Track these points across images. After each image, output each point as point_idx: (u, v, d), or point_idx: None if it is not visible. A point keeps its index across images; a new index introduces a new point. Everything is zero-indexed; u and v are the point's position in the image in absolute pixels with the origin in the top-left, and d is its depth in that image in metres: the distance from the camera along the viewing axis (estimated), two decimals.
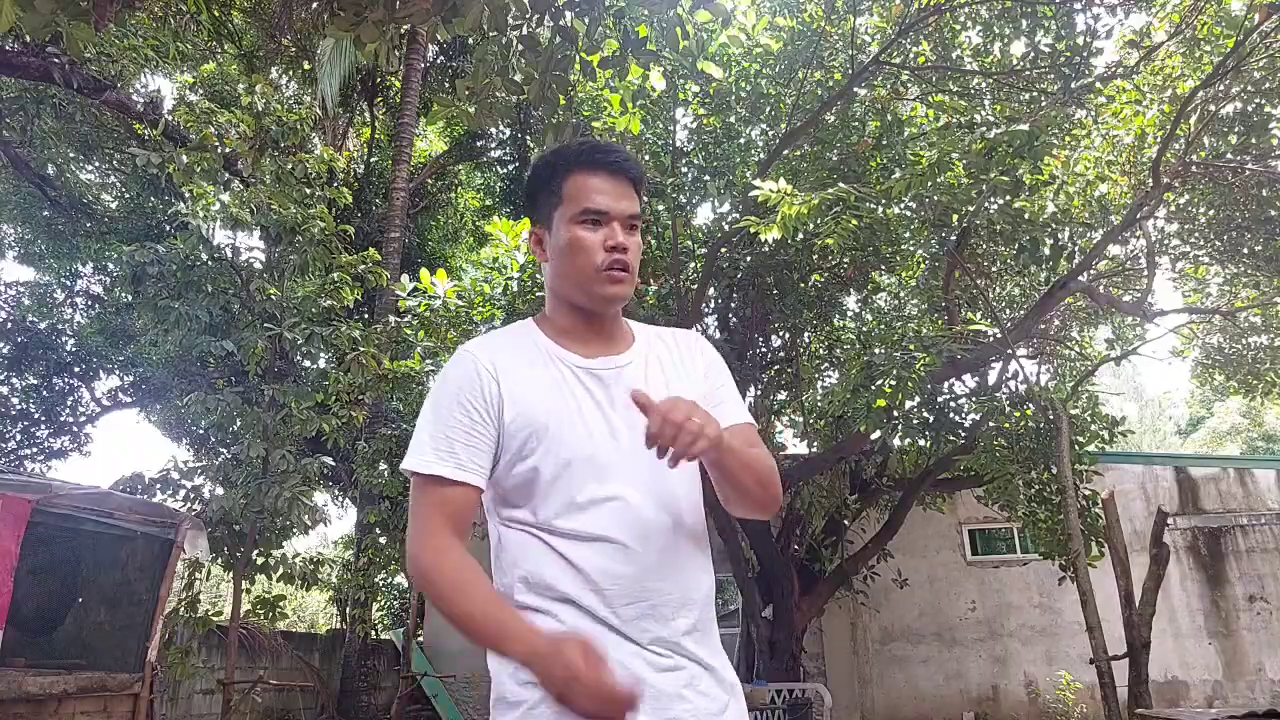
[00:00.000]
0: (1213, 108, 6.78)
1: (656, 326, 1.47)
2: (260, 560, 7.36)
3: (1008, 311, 9.01)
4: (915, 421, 8.20)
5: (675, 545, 1.26)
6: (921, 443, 9.14)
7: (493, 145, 15.94)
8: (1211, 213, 7.54)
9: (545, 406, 1.26)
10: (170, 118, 10.71)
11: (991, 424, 7.17)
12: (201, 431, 12.97)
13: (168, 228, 9.89)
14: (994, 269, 8.43)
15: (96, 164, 13.89)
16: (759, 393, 9.85)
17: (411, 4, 2.61)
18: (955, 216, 6.05)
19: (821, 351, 9.91)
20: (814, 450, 9.65)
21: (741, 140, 7.87)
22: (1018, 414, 7.28)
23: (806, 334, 9.71)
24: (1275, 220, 7.10)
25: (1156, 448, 25.69)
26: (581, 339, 1.34)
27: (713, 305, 9.57)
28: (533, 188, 1.38)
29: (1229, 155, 6.94)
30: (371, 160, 15.36)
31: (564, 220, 1.31)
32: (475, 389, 1.25)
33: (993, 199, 5.59)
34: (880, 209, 5.97)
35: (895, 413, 7.11)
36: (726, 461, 1.23)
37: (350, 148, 15.16)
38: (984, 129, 5.43)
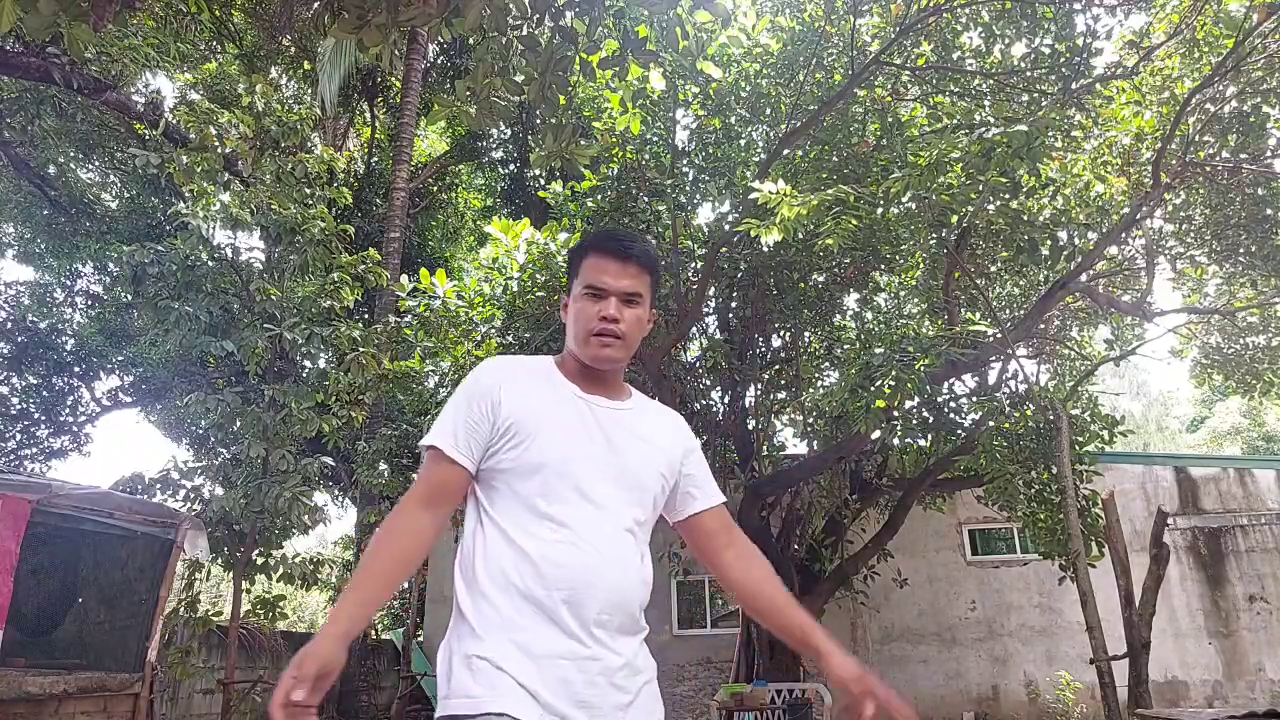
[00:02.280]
0: (1211, 108, 6.78)
1: (658, 403, 1.74)
2: (260, 560, 7.36)
3: (1007, 311, 9.01)
4: (915, 421, 8.20)
5: (623, 553, 1.45)
6: (921, 443, 9.15)
7: (493, 145, 15.94)
8: (1209, 213, 7.54)
9: (538, 412, 1.49)
10: (170, 118, 10.71)
11: (991, 424, 7.17)
12: (201, 431, 12.98)
13: (168, 228, 9.89)
14: (993, 269, 8.44)
15: (96, 164, 13.89)
16: (759, 393, 9.86)
17: (414, 7, 2.62)
18: (954, 217, 6.05)
19: (821, 351, 9.92)
20: (814, 450, 9.66)
21: (742, 140, 7.87)
22: (1018, 414, 7.29)
23: (806, 334, 9.71)
24: (1272, 220, 7.10)
25: (1164, 446, 25.67)
26: (587, 381, 1.59)
27: (713, 305, 9.57)
28: (569, 266, 1.67)
29: (1227, 156, 6.95)
30: (372, 160, 15.36)
31: (577, 292, 1.59)
32: (483, 391, 1.51)
33: (991, 199, 5.59)
34: (880, 209, 5.97)
35: (895, 413, 7.12)
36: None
37: (350, 148, 15.17)
38: (982, 129, 5.43)
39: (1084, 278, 7.48)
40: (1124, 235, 7.65)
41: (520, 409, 1.49)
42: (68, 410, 14.93)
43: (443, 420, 1.52)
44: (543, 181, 11.93)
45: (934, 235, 6.90)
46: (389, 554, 1.42)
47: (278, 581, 7.55)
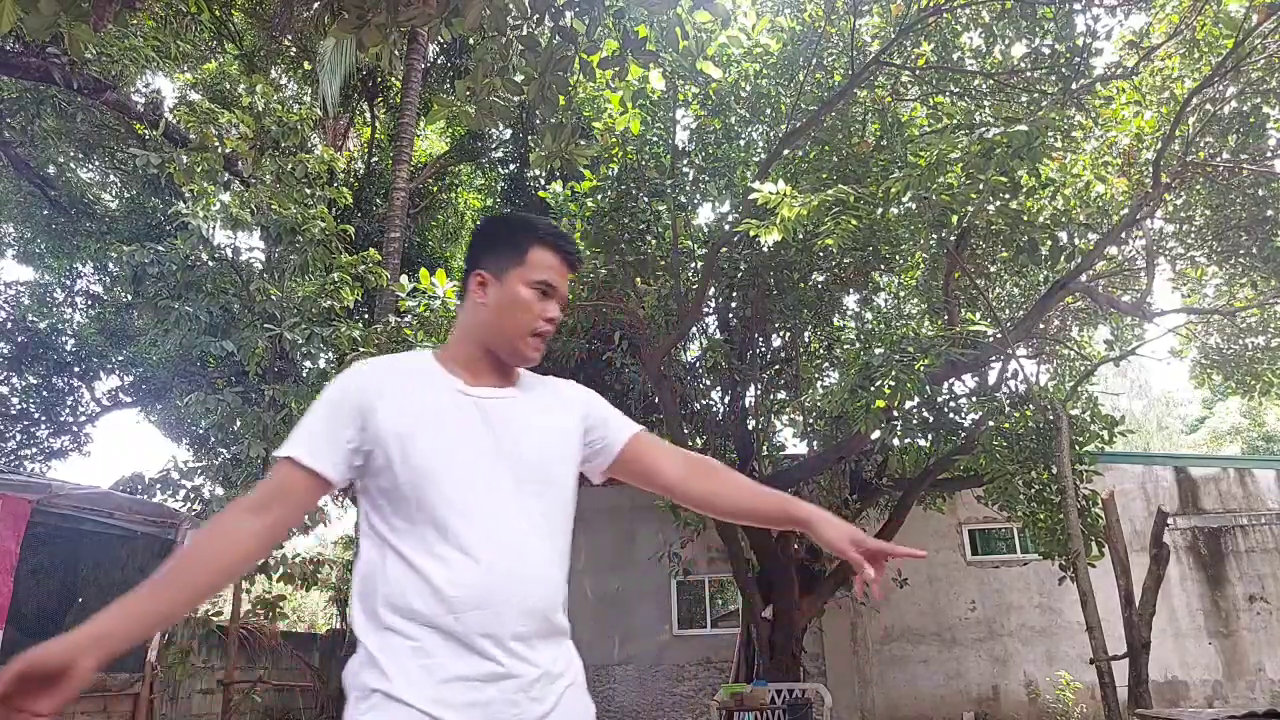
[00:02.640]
0: (1211, 108, 6.78)
1: (539, 375, 1.61)
2: (260, 560, 7.36)
3: (1007, 311, 9.02)
4: (915, 421, 8.20)
5: (529, 558, 1.36)
6: (921, 443, 9.15)
7: (493, 145, 15.93)
8: (1209, 213, 7.54)
9: (421, 422, 1.36)
10: (170, 118, 10.71)
11: (991, 424, 7.17)
12: (201, 431, 12.96)
13: (168, 228, 9.90)
14: (993, 269, 8.44)
15: (96, 164, 13.89)
16: (759, 393, 9.86)
17: (414, 7, 2.62)
18: (954, 217, 6.05)
19: (821, 351, 9.92)
20: (814, 450, 9.66)
21: (741, 140, 7.88)
22: (1018, 414, 7.29)
23: (806, 334, 9.72)
24: (1273, 221, 7.10)
25: (1166, 446, 25.64)
26: (475, 373, 1.46)
27: (713, 305, 9.57)
28: (493, 239, 1.51)
29: (1227, 156, 6.95)
30: (372, 160, 15.36)
31: (520, 280, 1.45)
32: (352, 400, 1.37)
33: (991, 199, 5.59)
34: (880, 209, 5.97)
35: (895, 413, 7.12)
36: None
37: (350, 148, 15.17)
38: (982, 129, 5.44)
39: (1084, 278, 7.48)
40: (1124, 235, 7.66)
41: (401, 420, 1.35)
42: (68, 410, 14.93)
43: (299, 429, 1.37)
44: (543, 181, 11.93)
45: (934, 235, 6.91)
46: (210, 563, 1.30)
47: (278, 581, 7.56)
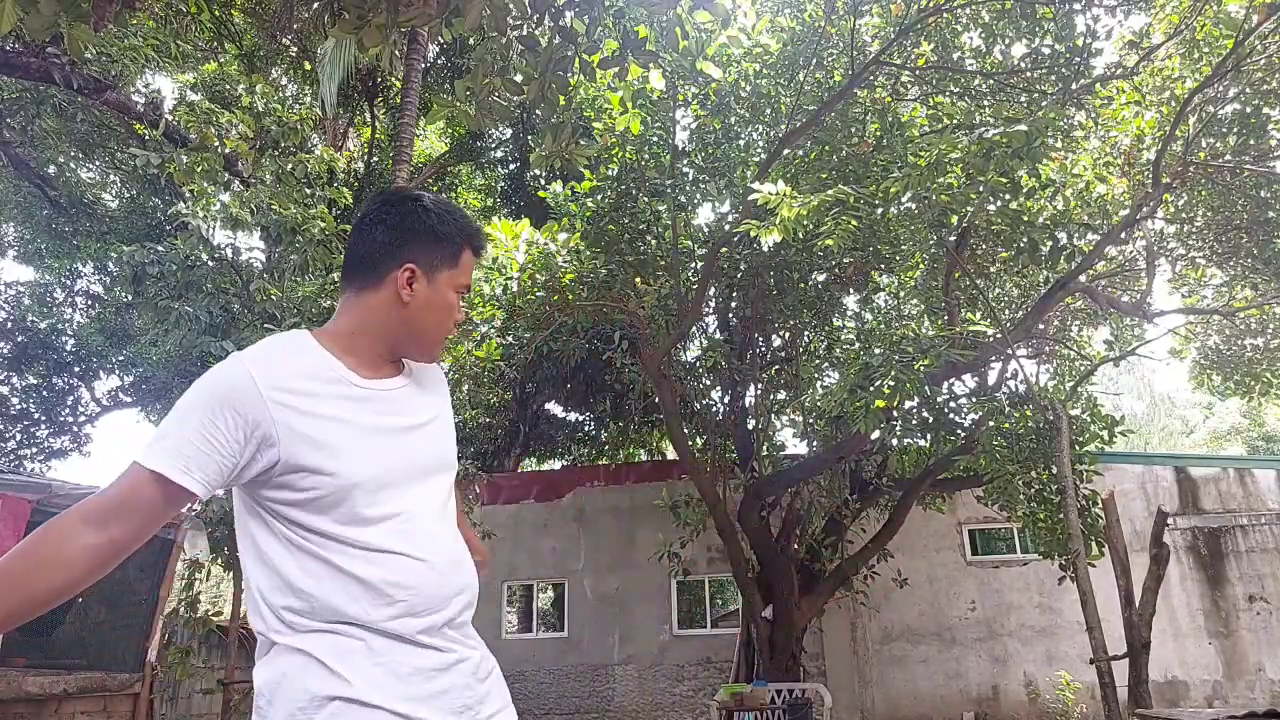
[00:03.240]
0: (1211, 109, 6.79)
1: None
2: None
3: (1007, 312, 9.02)
4: (915, 421, 8.20)
5: (452, 549, 1.36)
6: (921, 443, 9.15)
7: (493, 145, 15.93)
8: (1210, 214, 7.54)
9: (324, 432, 1.24)
10: (171, 118, 10.71)
11: (991, 424, 7.18)
12: None
13: (168, 228, 9.90)
14: (993, 269, 8.44)
15: (97, 164, 13.89)
16: (759, 393, 9.86)
17: (415, 7, 2.62)
18: (954, 217, 6.06)
19: (821, 351, 9.92)
20: (814, 450, 9.66)
21: (741, 141, 7.88)
22: (1018, 414, 7.29)
23: (806, 334, 9.72)
24: (1273, 221, 7.10)
25: (1169, 446, 25.61)
26: (371, 365, 1.36)
27: (713, 305, 9.57)
28: (429, 233, 1.39)
29: (1227, 156, 6.95)
30: (372, 160, 15.35)
31: (449, 284, 1.40)
32: (239, 403, 1.20)
33: (991, 200, 5.59)
34: (880, 210, 5.98)
35: (894, 413, 7.12)
36: None
37: (350, 148, 15.17)
38: (982, 130, 5.44)
39: (1084, 278, 7.49)
40: (1124, 236, 7.66)
41: (309, 425, 1.23)
42: (68, 410, 14.93)
43: (167, 438, 1.18)
44: (543, 181, 11.93)
45: (934, 235, 6.91)
46: (15, 579, 1.12)
47: None
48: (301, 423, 1.23)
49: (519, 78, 3.41)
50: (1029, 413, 7.19)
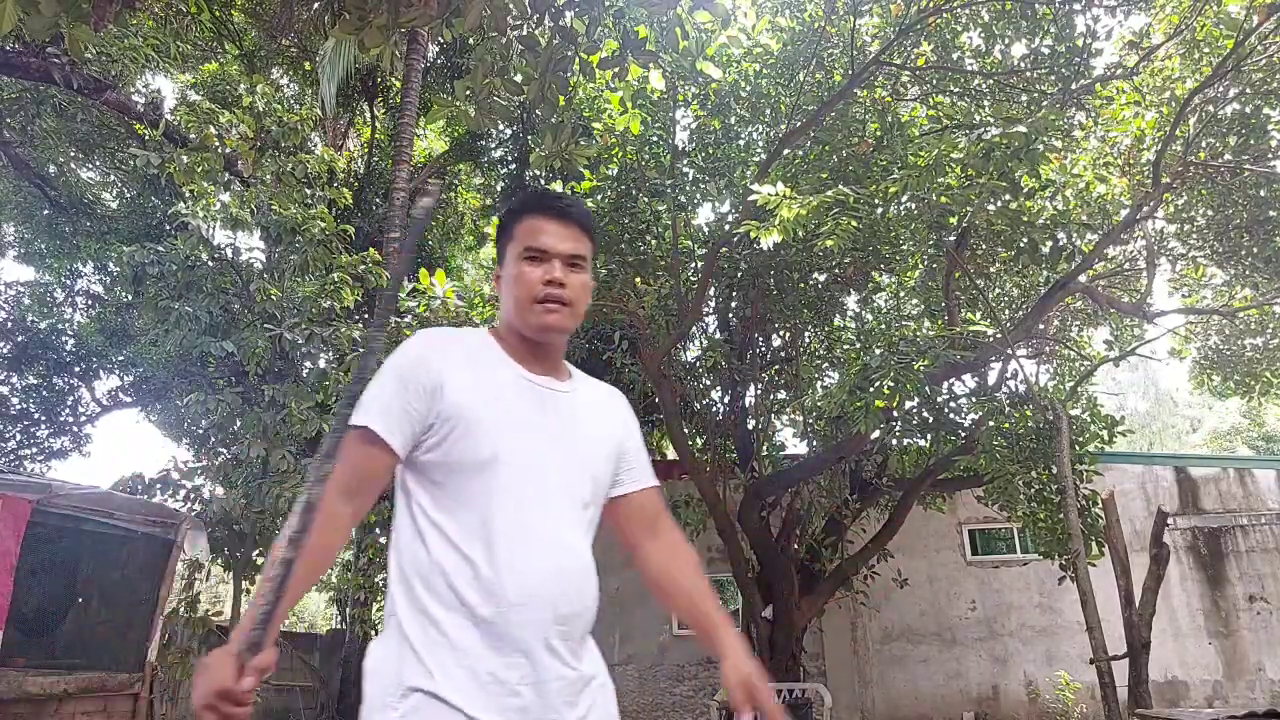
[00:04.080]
0: (1211, 109, 6.79)
1: (602, 384, 1.59)
2: (260, 560, 7.36)
3: (1007, 312, 9.02)
4: (915, 422, 8.20)
5: (577, 556, 1.34)
6: (921, 443, 9.15)
7: (493, 145, 15.93)
8: (1210, 214, 7.55)
9: (485, 399, 1.33)
10: (171, 118, 10.71)
11: (991, 424, 7.18)
12: (201, 432, 12.96)
13: (168, 228, 9.89)
14: (993, 270, 8.44)
15: (97, 164, 13.89)
16: (759, 393, 9.86)
17: (415, 8, 2.62)
18: (954, 218, 6.06)
19: (821, 351, 9.91)
20: (814, 450, 9.66)
21: (741, 141, 7.88)
22: (1018, 414, 7.29)
23: (806, 334, 9.72)
24: (1273, 221, 7.10)
25: (1171, 446, 25.62)
26: (527, 360, 1.43)
27: (713, 305, 9.57)
28: (498, 231, 1.52)
29: (1228, 157, 6.95)
30: (372, 160, 15.35)
31: (513, 257, 1.44)
32: (422, 369, 1.32)
33: (991, 200, 5.59)
34: (880, 210, 5.98)
35: (894, 413, 7.11)
36: None
37: (350, 148, 15.17)
38: (981, 130, 5.44)
39: (1084, 278, 7.49)
40: (1124, 236, 7.66)
41: (465, 395, 1.31)
42: (68, 410, 14.93)
43: (372, 398, 1.30)
44: (543, 181, 11.93)
45: (934, 235, 6.91)
46: (322, 545, 1.24)
47: None
48: (464, 385, 1.32)
49: (519, 78, 3.41)
50: (1029, 413, 7.19)
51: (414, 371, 1.32)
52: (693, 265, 8.21)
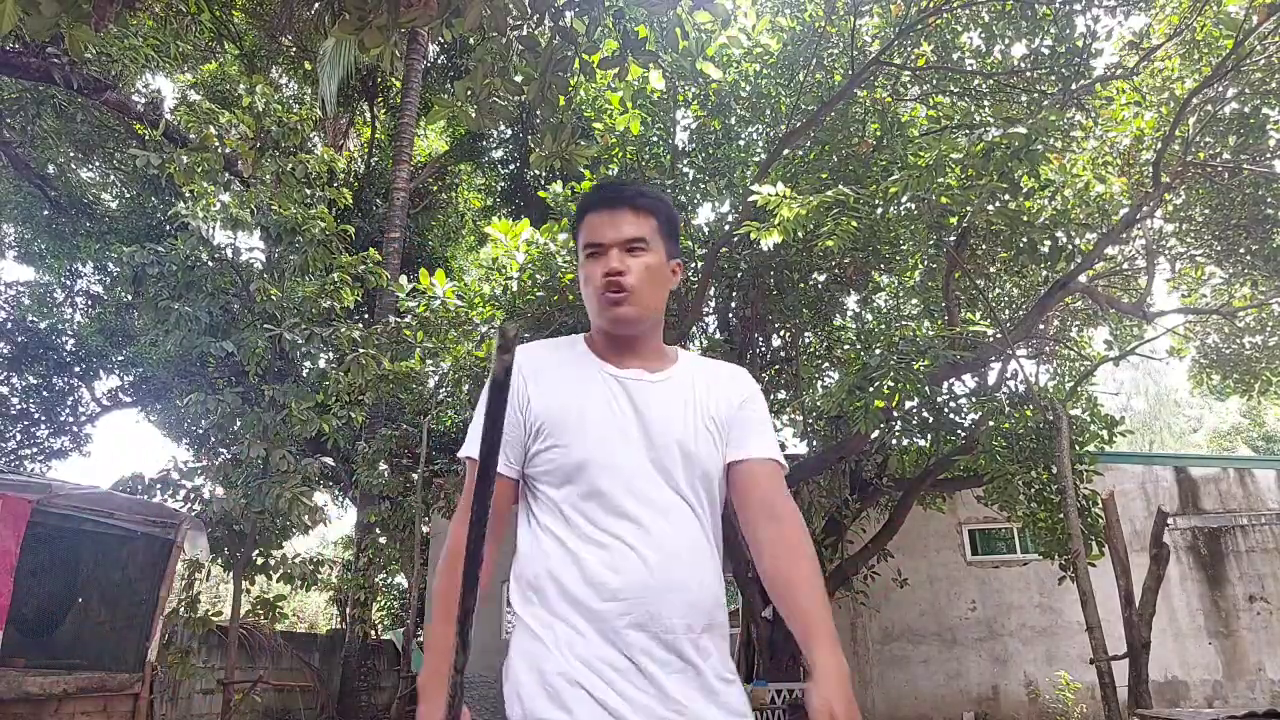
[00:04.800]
0: (1211, 109, 6.79)
1: (713, 360, 1.52)
2: (260, 560, 7.37)
3: (1007, 312, 9.02)
4: (915, 421, 8.20)
5: (686, 550, 1.31)
6: (921, 443, 9.15)
7: (493, 145, 15.94)
8: (1209, 213, 7.55)
9: (569, 405, 1.36)
10: (171, 118, 10.71)
11: (991, 424, 7.18)
12: (202, 432, 12.97)
13: (168, 228, 9.90)
14: (993, 269, 8.44)
15: (97, 164, 13.90)
16: None
17: (415, 8, 2.62)
18: (954, 218, 6.06)
19: (821, 351, 9.92)
20: (814, 450, 9.66)
21: (741, 141, 7.88)
22: (1018, 414, 7.29)
23: (806, 334, 9.71)
24: (1272, 220, 7.11)
25: (1173, 447, 25.62)
26: (616, 354, 1.44)
27: (713, 305, 9.57)
28: (573, 235, 1.54)
29: (1227, 156, 6.95)
30: (372, 160, 15.35)
31: (581, 258, 1.46)
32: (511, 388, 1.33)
33: (991, 200, 5.60)
34: (880, 210, 5.98)
35: (894, 413, 7.11)
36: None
37: (350, 148, 15.17)
38: (981, 130, 5.44)
39: (1084, 278, 7.49)
40: (1124, 235, 7.66)
41: (550, 404, 1.35)
42: (68, 410, 14.93)
43: (474, 428, 1.38)
44: (543, 181, 11.92)
45: (933, 236, 6.92)
46: (449, 593, 1.30)
47: (278, 581, 7.56)
48: (549, 395, 1.37)
49: (519, 78, 3.41)
50: (1029, 413, 7.19)
51: (514, 387, 1.35)
52: (693, 265, 8.21)
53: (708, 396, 1.42)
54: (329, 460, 9.55)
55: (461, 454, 1.38)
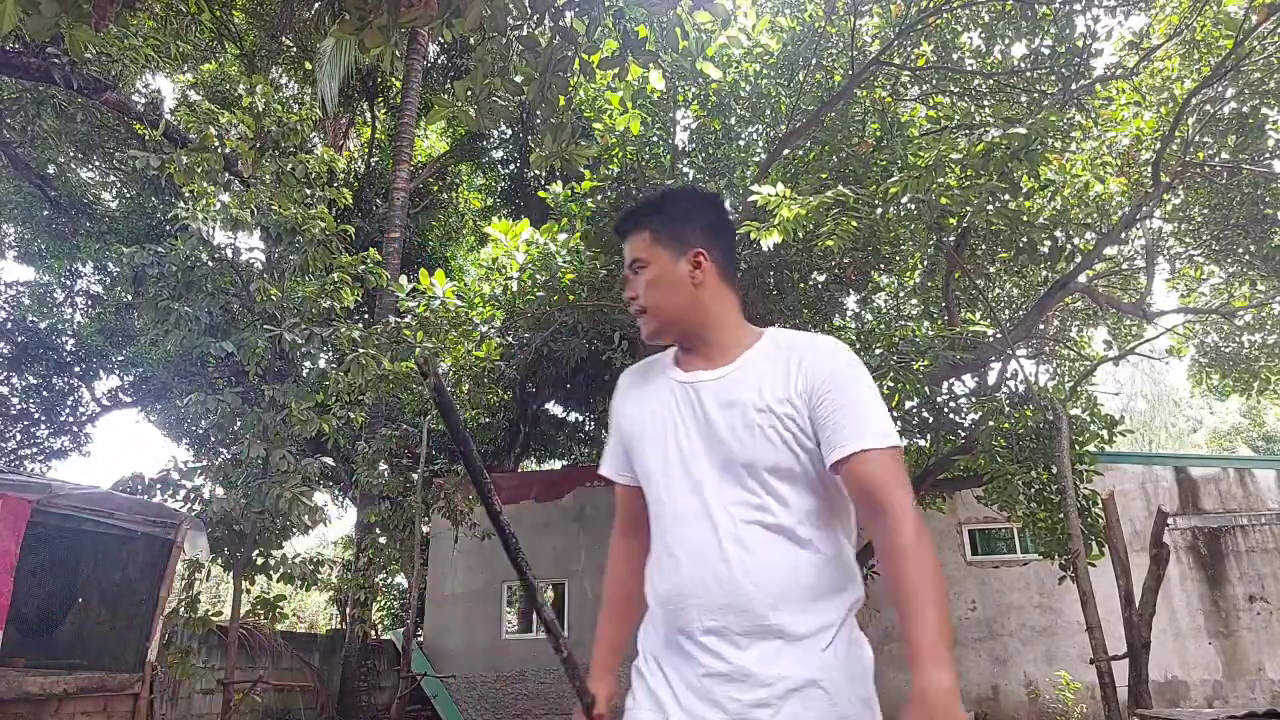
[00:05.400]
0: (1210, 109, 6.79)
1: (798, 336, 1.44)
2: (260, 560, 7.36)
3: (1007, 312, 9.02)
4: (914, 421, 8.20)
5: (732, 551, 1.29)
6: (921, 443, 9.15)
7: (493, 145, 15.93)
8: (1208, 213, 7.55)
9: (639, 419, 1.47)
10: (171, 118, 10.71)
11: (991, 424, 7.18)
12: (202, 432, 12.97)
13: (168, 228, 9.91)
14: (993, 270, 8.44)
15: (97, 164, 13.90)
16: None
17: (416, 8, 2.62)
18: (953, 219, 6.06)
19: None
20: None
21: (741, 141, 7.88)
22: (1017, 414, 7.29)
23: None
24: (1271, 220, 7.11)
25: (1173, 447, 25.59)
26: (685, 360, 1.48)
27: None
28: None
29: (1226, 156, 6.96)
30: (372, 160, 15.35)
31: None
32: (612, 406, 1.56)
33: (991, 201, 5.60)
34: (880, 210, 5.98)
35: (894, 413, 7.11)
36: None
37: (351, 148, 15.17)
38: (981, 130, 5.45)
39: (1083, 278, 7.49)
40: (1123, 235, 7.66)
41: (628, 420, 1.49)
42: (68, 410, 14.93)
43: (610, 444, 1.56)
44: (543, 182, 11.93)
45: (933, 236, 6.92)
46: (612, 594, 1.55)
47: (278, 581, 7.55)
48: (627, 416, 1.50)
49: (519, 78, 3.41)
50: (1029, 413, 7.20)
51: (611, 411, 1.55)
52: None
53: (764, 388, 1.34)
54: (329, 460, 9.55)
55: (601, 471, 1.57)
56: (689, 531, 1.33)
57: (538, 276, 7.38)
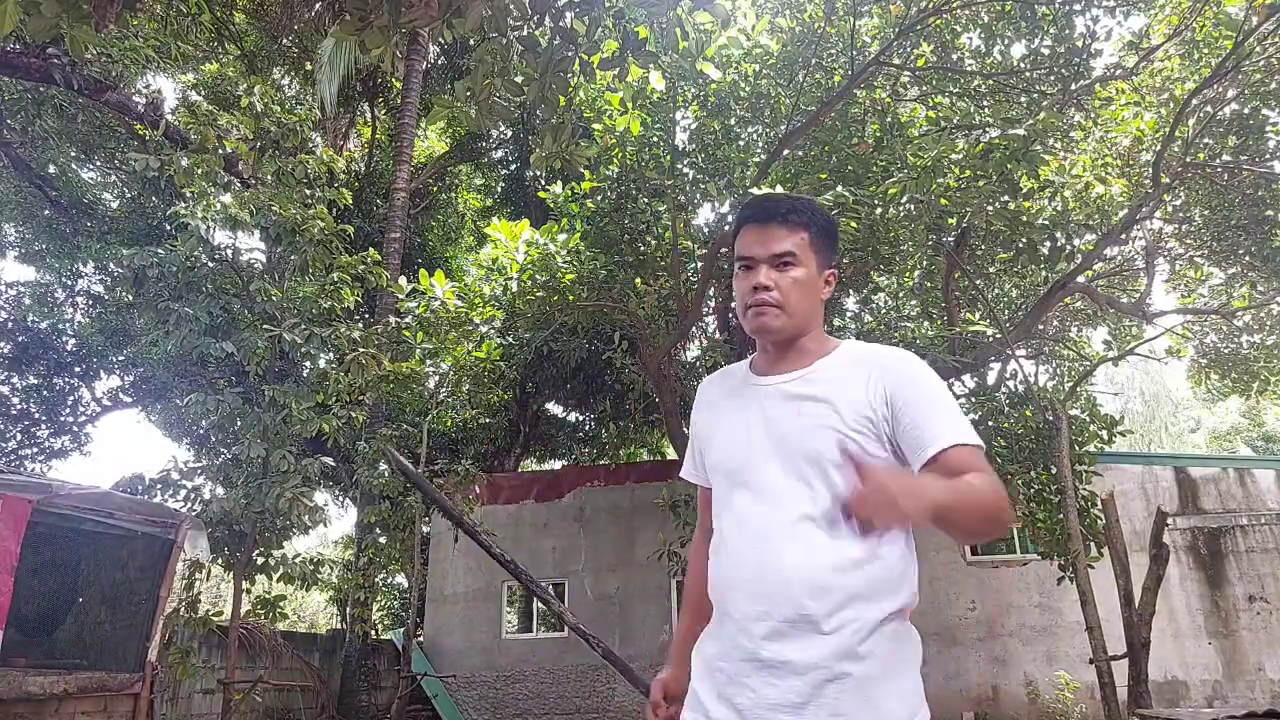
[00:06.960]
0: (1210, 110, 6.80)
1: (874, 346, 1.50)
2: (260, 560, 7.36)
3: (1007, 312, 9.02)
4: None
5: (784, 546, 1.34)
6: None
7: (493, 146, 15.94)
8: (1208, 214, 7.56)
9: (713, 420, 1.55)
10: (171, 119, 10.72)
11: (991, 424, 7.18)
12: (202, 432, 12.98)
13: (168, 228, 9.90)
14: (992, 270, 8.44)
15: (97, 164, 13.90)
16: None
17: (416, 9, 2.63)
18: (952, 219, 6.06)
19: None
20: None
21: (741, 141, 7.88)
22: (1017, 414, 7.29)
23: None
24: (1271, 221, 7.11)
25: (1173, 448, 25.56)
26: (767, 362, 1.53)
27: (713, 305, 9.57)
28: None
29: (1226, 157, 6.96)
30: (372, 160, 15.36)
31: (736, 269, 1.53)
32: (693, 411, 1.63)
33: (990, 201, 5.60)
34: (879, 210, 5.98)
35: None
36: (946, 519, 1.26)
37: (351, 148, 15.17)
38: (980, 131, 5.45)
39: (1083, 278, 7.49)
40: (1123, 236, 7.67)
41: (703, 422, 1.57)
42: (68, 410, 14.93)
43: (689, 449, 1.65)
44: (543, 182, 11.95)
45: (933, 236, 6.92)
46: (689, 588, 1.65)
47: (278, 581, 7.55)
48: (702, 419, 1.59)
49: (519, 78, 3.42)
50: (1029, 413, 7.20)
51: (691, 420, 1.64)
52: (693, 265, 8.21)
53: (837, 393, 1.39)
54: (329, 460, 9.55)
55: (682, 475, 1.68)
56: (750, 525, 1.39)
57: (538, 277, 7.38)
